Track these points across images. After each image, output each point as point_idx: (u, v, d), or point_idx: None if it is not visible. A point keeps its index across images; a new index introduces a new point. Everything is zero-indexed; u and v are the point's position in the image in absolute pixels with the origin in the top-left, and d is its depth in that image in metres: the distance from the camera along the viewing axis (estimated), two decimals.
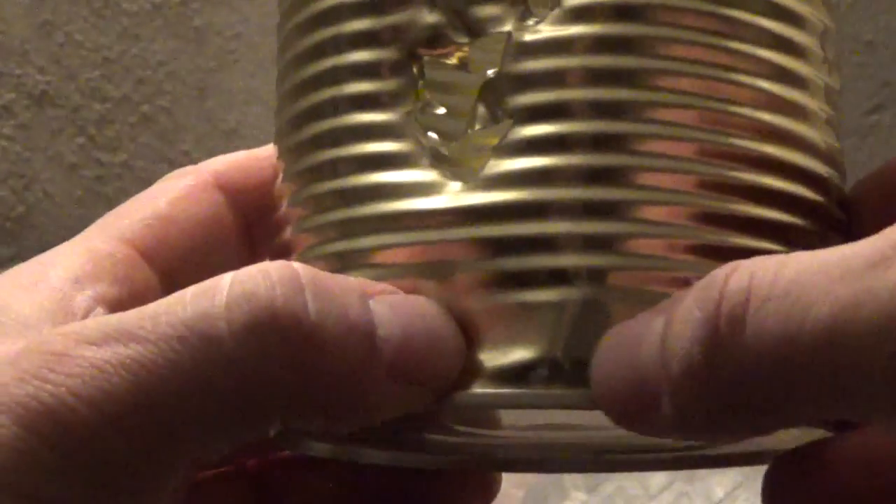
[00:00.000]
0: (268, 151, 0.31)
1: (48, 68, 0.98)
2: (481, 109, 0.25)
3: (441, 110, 0.26)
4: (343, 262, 0.26)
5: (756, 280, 0.22)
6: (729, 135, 0.25)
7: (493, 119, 0.25)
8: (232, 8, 1.02)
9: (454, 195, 0.25)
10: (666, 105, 0.25)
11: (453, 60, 0.26)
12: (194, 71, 1.01)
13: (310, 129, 0.27)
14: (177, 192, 0.30)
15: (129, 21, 1.00)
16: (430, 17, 0.26)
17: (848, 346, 0.21)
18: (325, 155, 0.27)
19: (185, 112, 0.99)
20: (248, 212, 0.31)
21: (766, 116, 0.26)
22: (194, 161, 0.32)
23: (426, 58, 0.26)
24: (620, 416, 0.24)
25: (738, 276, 0.22)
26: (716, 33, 0.25)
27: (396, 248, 0.25)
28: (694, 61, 0.25)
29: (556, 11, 0.25)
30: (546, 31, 0.25)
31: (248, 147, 0.31)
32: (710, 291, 0.22)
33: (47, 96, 0.98)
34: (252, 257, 0.32)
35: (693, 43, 0.25)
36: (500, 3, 0.25)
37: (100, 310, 0.27)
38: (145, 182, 0.31)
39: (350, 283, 0.25)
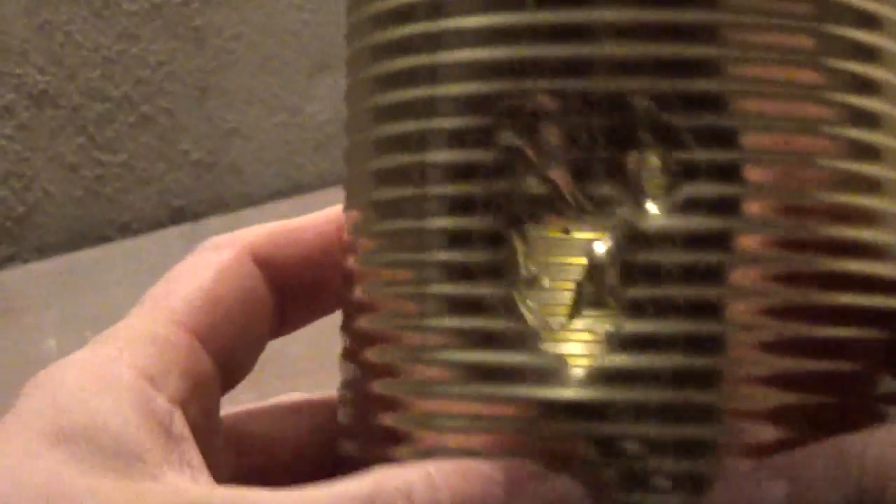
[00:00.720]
0: (299, 222, 0.31)
1: (48, 68, 0.98)
2: (589, 293, 0.25)
3: (546, 284, 0.25)
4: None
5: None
6: None
7: (602, 305, 0.24)
8: (232, 8, 1.02)
9: (573, 389, 0.25)
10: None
11: (558, 236, 0.25)
12: (194, 71, 1.00)
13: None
14: (219, 267, 0.30)
15: (129, 21, 0.99)
16: (537, 188, 0.25)
17: None
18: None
19: (185, 112, 0.99)
20: (281, 286, 0.31)
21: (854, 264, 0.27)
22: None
23: (530, 230, 0.25)
24: None
25: (872, 452, 0.23)
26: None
27: (513, 435, 0.25)
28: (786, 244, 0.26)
29: (671, 200, 0.24)
30: (664, 220, 0.24)
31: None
32: (847, 467, 0.23)
33: (47, 96, 0.98)
34: (282, 329, 0.32)
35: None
36: (615, 184, 0.24)
37: (178, 414, 0.27)
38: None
39: (493, 487, 0.25)
